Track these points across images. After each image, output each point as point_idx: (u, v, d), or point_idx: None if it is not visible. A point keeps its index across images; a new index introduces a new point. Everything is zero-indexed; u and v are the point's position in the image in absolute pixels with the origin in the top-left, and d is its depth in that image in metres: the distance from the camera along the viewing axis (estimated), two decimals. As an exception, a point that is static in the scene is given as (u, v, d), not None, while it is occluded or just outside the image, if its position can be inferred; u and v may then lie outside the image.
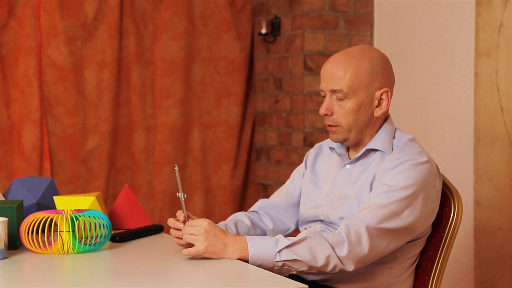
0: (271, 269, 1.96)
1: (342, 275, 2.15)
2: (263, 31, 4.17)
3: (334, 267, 2.00)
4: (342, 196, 2.19)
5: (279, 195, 2.41)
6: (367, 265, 2.13)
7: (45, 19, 3.86)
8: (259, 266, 1.97)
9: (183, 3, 4.14)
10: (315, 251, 1.98)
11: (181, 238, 2.04)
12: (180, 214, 2.06)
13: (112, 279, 1.90)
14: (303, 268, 1.99)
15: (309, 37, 3.96)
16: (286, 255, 1.97)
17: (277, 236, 2.00)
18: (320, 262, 1.98)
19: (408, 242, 2.16)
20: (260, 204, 2.40)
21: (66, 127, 3.93)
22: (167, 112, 4.13)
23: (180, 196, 2.04)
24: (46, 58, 3.88)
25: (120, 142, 4.08)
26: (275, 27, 4.15)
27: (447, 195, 2.27)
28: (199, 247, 1.95)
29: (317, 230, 2.04)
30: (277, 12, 4.15)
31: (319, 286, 2.18)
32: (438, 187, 2.17)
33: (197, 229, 1.96)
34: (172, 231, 2.08)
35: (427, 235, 2.23)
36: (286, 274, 2.26)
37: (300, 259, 1.97)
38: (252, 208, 2.40)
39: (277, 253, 1.97)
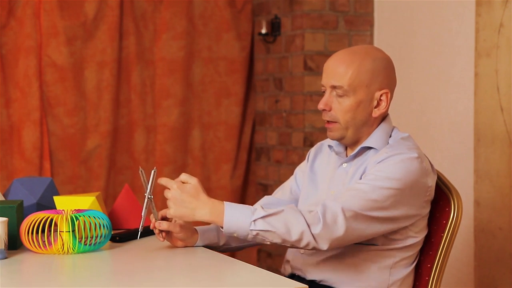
0: (245, 237, 2.00)
1: (341, 275, 2.15)
2: (263, 31, 4.17)
3: (308, 244, 2.00)
4: (338, 196, 2.19)
5: (283, 192, 2.41)
6: (367, 265, 2.13)
7: (45, 19, 3.86)
8: (233, 233, 2.00)
9: (183, 3, 4.14)
10: (290, 225, 1.99)
11: (163, 237, 2.15)
12: (152, 219, 2.16)
13: (112, 279, 1.90)
14: (277, 240, 2.00)
15: (309, 37, 3.97)
16: (260, 225, 1.99)
17: (255, 206, 2.03)
18: (293, 237, 1.99)
19: (405, 243, 2.16)
20: (265, 201, 2.40)
21: (66, 127, 3.93)
22: (167, 112, 4.13)
23: (146, 196, 2.12)
24: (46, 58, 3.88)
25: (120, 142, 4.09)
26: (275, 27, 4.15)
27: (447, 195, 2.26)
28: (170, 212, 2.05)
29: (295, 207, 2.05)
30: (277, 12, 4.15)
31: (319, 286, 2.18)
32: (431, 183, 2.15)
33: (170, 193, 2.05)
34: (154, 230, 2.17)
35: (424, 235, 2.22)
36: (287, 274, 2.27)
37: (274, 230, 1.99)
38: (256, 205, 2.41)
39: (252, 222, 1.99)
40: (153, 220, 2.15)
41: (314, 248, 2.02)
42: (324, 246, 2.01)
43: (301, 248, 2.02)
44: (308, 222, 1.99)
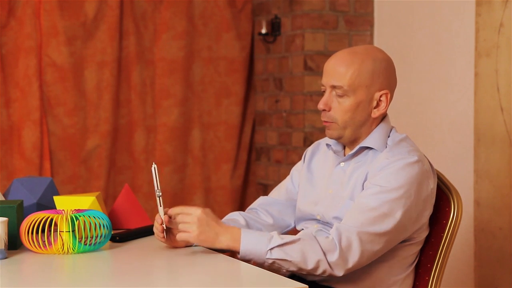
0: (261, 265, 2.00)
1: (341, 275, 2.15)
2: (263, 31, 4.17)
3: (324, 272, 2.02)
4: (336, 195, 2.20)
5: (279, 192, 2.41)
6: (367, 265, 2.13)
7: (45, 19, 3.86)
8: (250, 260, 2.00)
9: (183, 3, 4.14)
10: (306, 253, 1.99)
11: (164, 237, 2.12)
12: (158, 218, 2.12)
13: (112, 279, 1.90)
14: (293, 268, 2.01)
15: (309, 37, 3.96)
16: (277, 254, 1.99)
17: (272, 233, 2.02)
18: (310, 265, 2.00)
19: (405, 242, 2.16)
20: (261, 201, 2.40)
21: (66, 127, 3.93)
22: (167, 112, 4.13)
23: (156, 193, 2.10)
24: (46, 58, 3.88)
25: (120, 142, 4.08)
26: (275, 27, 4.15)
27: (447, 195, 2.27)
28: (192, 234, 2.00)
29: (313, 233, 2.05)
30: (277, 12, 4.15)
31: (319, 286, 2.18)
32: (432, 185, 2.16)
33: (191, 218, 2.02)
34: (154, 229, 2.14)
35: (425, 235, 2.23)
36: (287, 275, 2.27)
37: (290, 259, 1.99)
38: (252, 206, 2.41)
39: (269, 251, 1.99)
40: (159, 218, 2.14)
41: (330, 275, 2.03)
42: (339, 273, 2.02)
43: (317, 275, 2.03)
44: (324, 250, 2.00)
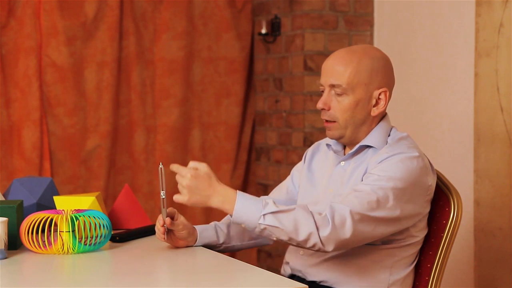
0: (252, 230, 2.01)
1: (341, 275, 2.15)
2: (263, 31, 4.17)
3: (314, 245, 2.01)
4: (336, 194, 2.20)
5: (280, 192, 2.42)
6: (367, 264, 2.14)
7: (45, 19, 3.86)
8: (242, 223, 2.00)
9: (183, 3, 4.14)
10: (299, 224, 1.99)
11: (165, 238, 2.14)
12: (160, 219, 2.14)
13: (112, 279, 1.90)
14: (283, 237, 2.01)
15: (309, 37, 3.97)
16: (270, 220, 1.99)
17: (267, 200, 2.03)
18: (301, 237, 1.99)
19: (404, 242, 2.16)
20: None
21: (66, 127, 3.93)
22: (167, 112, 4.13)
23: (161, 195, 2.14)
24: (46, 58, 3.88)
25: (120, 142, 4.09)
26: (275, 27, 4.15)
27: (447, 195, 2.27)
28: (183, 198, 2.06)
29: (307, 207, 2.05)
30: (277, 12, 4.15)
31: (319, 286, 2.18)
32: (431, 182, 2.16)
33: (181, 181, 2.06)
34: (156, 229, 2.17)
35: (425, 235, 2.23)
36: (287, 275, 2.27)
37: (282, 227, 1.99)
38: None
39: (262, 216, 1.99)
40: (161, 219, 2.15)
41: (319, 250, 2.02)
42: (329, 248, 2.02)
43: (307, 248, 2.03)
44: (317, 224, 1.99)
